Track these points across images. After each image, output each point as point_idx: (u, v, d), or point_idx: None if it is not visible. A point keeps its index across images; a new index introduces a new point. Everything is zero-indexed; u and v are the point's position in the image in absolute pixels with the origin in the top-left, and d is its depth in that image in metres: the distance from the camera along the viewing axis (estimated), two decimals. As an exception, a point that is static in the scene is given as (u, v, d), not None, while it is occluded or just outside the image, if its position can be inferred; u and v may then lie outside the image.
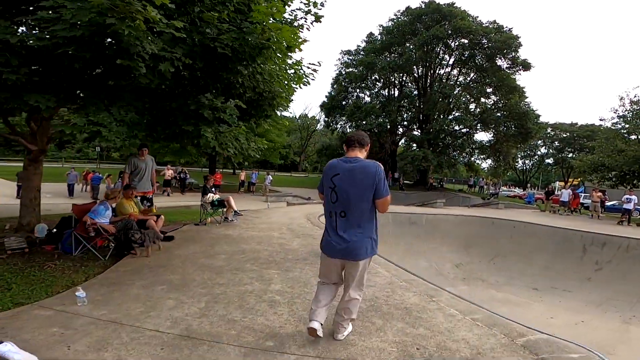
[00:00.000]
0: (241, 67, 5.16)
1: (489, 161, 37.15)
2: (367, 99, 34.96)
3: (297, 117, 61.62)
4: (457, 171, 43.90)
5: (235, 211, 8.09)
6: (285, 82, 6.66)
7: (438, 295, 4.08)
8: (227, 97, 6.03)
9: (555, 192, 23.91)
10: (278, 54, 5.63)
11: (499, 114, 29.37)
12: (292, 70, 6.89)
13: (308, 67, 6.60)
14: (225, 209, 8.01)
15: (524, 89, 29.30)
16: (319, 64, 6.29)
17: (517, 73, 29.75)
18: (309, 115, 61.36)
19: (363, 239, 2.60)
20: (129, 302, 3.48)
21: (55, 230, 5.84)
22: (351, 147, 2.73)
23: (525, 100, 29.24)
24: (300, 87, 6.64)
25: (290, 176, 42.94)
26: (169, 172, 19.95)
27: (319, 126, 57.82)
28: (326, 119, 38.33)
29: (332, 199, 2.66)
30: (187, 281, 4.19)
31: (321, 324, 2.69)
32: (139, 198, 6.95)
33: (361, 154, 2.71)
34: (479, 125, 30.62)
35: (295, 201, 18.24)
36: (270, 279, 4.38)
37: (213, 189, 8.15)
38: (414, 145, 34.63)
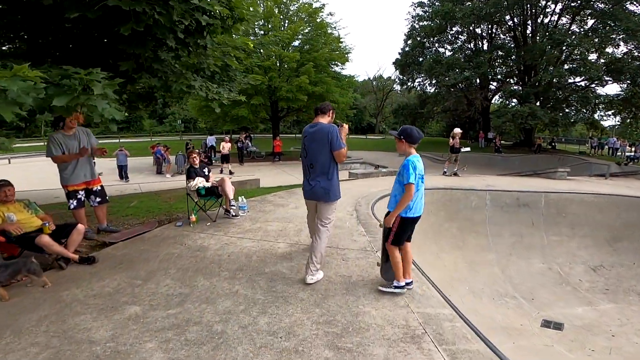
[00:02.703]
0: None
1: (617, 118, 29.57)
2: (448, 53, 30.06)
3: (372, 78, 57.03)
4: (567, 130, 35.60)
5: (231, 201, 5.27)
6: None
7: None
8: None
9: None
10: None
11: (637, 63, 22.72)
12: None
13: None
14: (222, 199, 5.26)
15: None
16: None
17: None
18: (384, 76, 56.23)
19: (325, 185, 3.26)
20: None
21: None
22: (316, 115, 3.40)
23: None
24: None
25: (366, 139, 39.88)
26: (227, 146, 16.66)
27: (396, 86, 52.79)
28: (400, 76, 33.93)
29: (303, 155, 3.39)
30: None
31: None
32: (82, 193, 4.59)
33: (323, 119, 3.34)
34: (605, 76, 24.06)
35: (361, 170, 15.00)
36: None
37: (205, 170, 5.32)
38: (514, 100, 28.45)
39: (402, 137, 2.98)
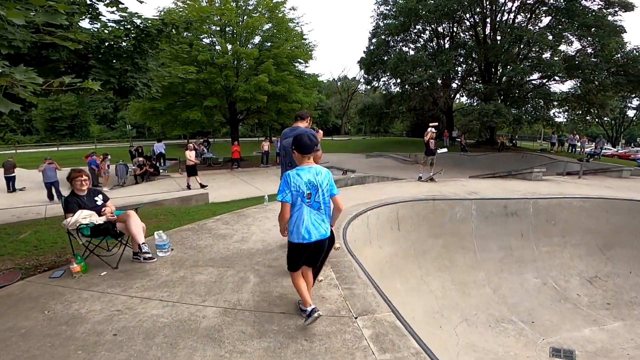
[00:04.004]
0: None
1: (565, 115, 30.97)
2: (412, 52, 29.88)
3: (336, 78, 56.44)
4: (530, 127, 36.82)
5: (140, 246, 3.46)
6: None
7: None
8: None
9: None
10: None
11: (594, 60, 23.19)
12: None
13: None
14: (128, 239, 3.62)
15: (621, 34, 23.20)
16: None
17: (614, 15, 23.20)
18: (349, 77, 55.85)
19: None
20: None
21: None
22: (296, 121, 3.74)
23: (624, 45, 23.02)
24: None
25: (332, 140, 38.76)
26: (193, 154, 12.76)
27: (361, 86, 52.47)
28: (366, 75, 33.27)
29: (283, 154, 3.64)
30: None
31: None
32: None
33: (302, 124, 3.67)
34: (560, 74, 24.42)
35: (327, 177, 13.64)
36: None
37: (98, 198, 3.60)
38: (475, 98, 28.65)
39: (292, 147, 2.60)
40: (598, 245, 7.87)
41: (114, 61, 3.66)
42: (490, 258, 7.15)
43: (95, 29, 3.89)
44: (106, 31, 3.78)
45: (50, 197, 12.15)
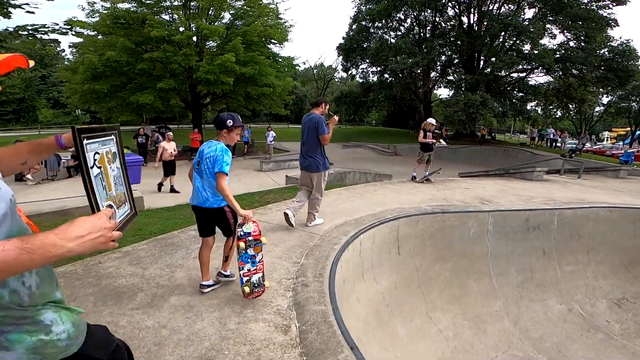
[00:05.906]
0: None
1: (536, 109, 31.18)
2: (392, 41, 28.30)
3: (312, 66, 54.32)
4: (505, 120, 36.61)
5: None
6: None
7: None
8: None
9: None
10: None
11: (583, 53, 22.39)
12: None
13: None
14: None
15: (613, 27, 22.43)
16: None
17: (606, 8, 22.32)
18: (325, 65, 53.93)
19: (315, 160, 4.39)
20: None
21: None
22: (312, 108, 4.60)
23: (611, 39, 22.45)
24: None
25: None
26: (170, 147, 9.16)
27: (338, 74, 50.75)
28: (344, 62, 31.51)
29: (302, 136, 4.54)
30: None
31: (293, 215, 4.36)
32: None
33: (317, 110, 4.45)
34: (550, 65, 23.53)
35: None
36: None
37: None
38: (457, 89, 27.61)
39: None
40: (623, 262, 6.65)
41: None
42: (508, 283, 5.71)
43: None
44: None
45: None
